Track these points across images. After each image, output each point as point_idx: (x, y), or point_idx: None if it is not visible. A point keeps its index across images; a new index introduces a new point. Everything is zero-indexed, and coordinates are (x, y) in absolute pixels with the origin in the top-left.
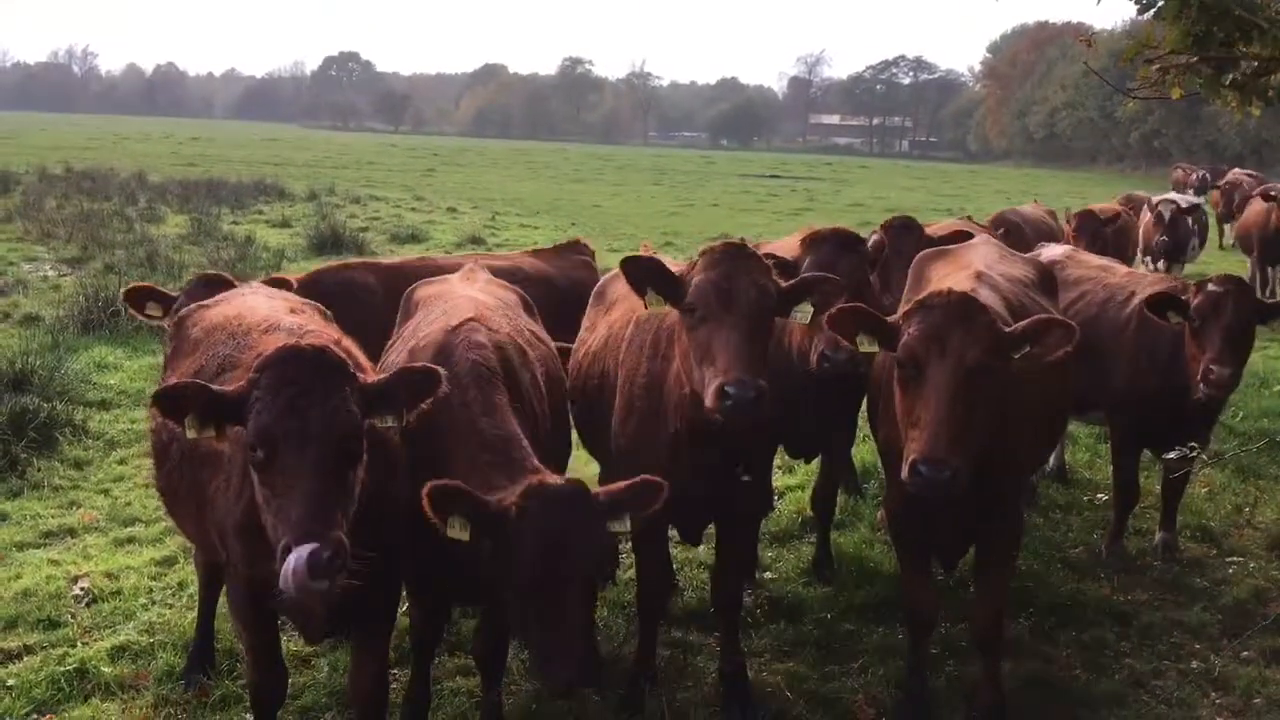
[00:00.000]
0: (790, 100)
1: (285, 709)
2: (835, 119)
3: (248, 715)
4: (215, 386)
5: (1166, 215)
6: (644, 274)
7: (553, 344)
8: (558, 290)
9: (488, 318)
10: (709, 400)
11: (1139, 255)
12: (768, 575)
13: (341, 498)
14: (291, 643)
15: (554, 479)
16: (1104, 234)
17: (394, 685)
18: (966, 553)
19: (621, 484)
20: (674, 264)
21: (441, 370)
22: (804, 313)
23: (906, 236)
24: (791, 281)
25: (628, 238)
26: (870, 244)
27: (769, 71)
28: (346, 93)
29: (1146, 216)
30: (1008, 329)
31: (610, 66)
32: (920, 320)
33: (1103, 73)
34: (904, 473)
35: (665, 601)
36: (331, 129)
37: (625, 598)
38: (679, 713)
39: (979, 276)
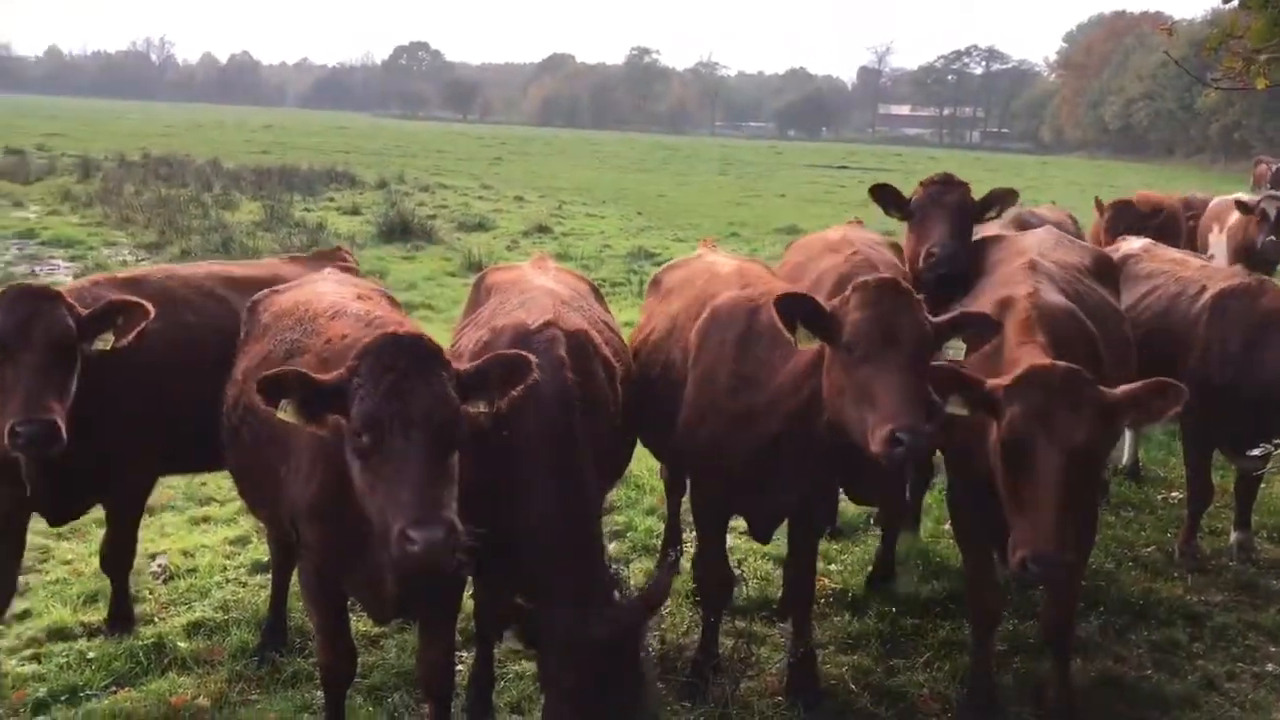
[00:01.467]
0: (859, 90)
1: (354, 688)
2: (905, 109)
3: (318, 692)
4: (315, 375)
5: (1272, 213)
6: (794, 310)
7: (621, 333)
8: None
9: (565, 314)
10: (877, 445)
11: (1228, 260)
12: (832, 568)
13: (448, 483)
14: (360, 623)
15: None
16: (1144, 230)
17: (459, 668)
18: None
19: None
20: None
21: (533, 358)
22: (956, 349)
23: (948, 190)
24: (944, 318)
25: (693, 228)
26: (913, 198)
27: (838, 62)
28: (416, 82)
29: (1233, 218)
30: (1113, 397)
31: (677, 56)
32: (1025, 401)
33: (1183, 62)
34: (1013, 563)
35: (728, 594)
36: (401, 118)
37: (689, 586)
38: (742, 702)
39: (1033, 266)
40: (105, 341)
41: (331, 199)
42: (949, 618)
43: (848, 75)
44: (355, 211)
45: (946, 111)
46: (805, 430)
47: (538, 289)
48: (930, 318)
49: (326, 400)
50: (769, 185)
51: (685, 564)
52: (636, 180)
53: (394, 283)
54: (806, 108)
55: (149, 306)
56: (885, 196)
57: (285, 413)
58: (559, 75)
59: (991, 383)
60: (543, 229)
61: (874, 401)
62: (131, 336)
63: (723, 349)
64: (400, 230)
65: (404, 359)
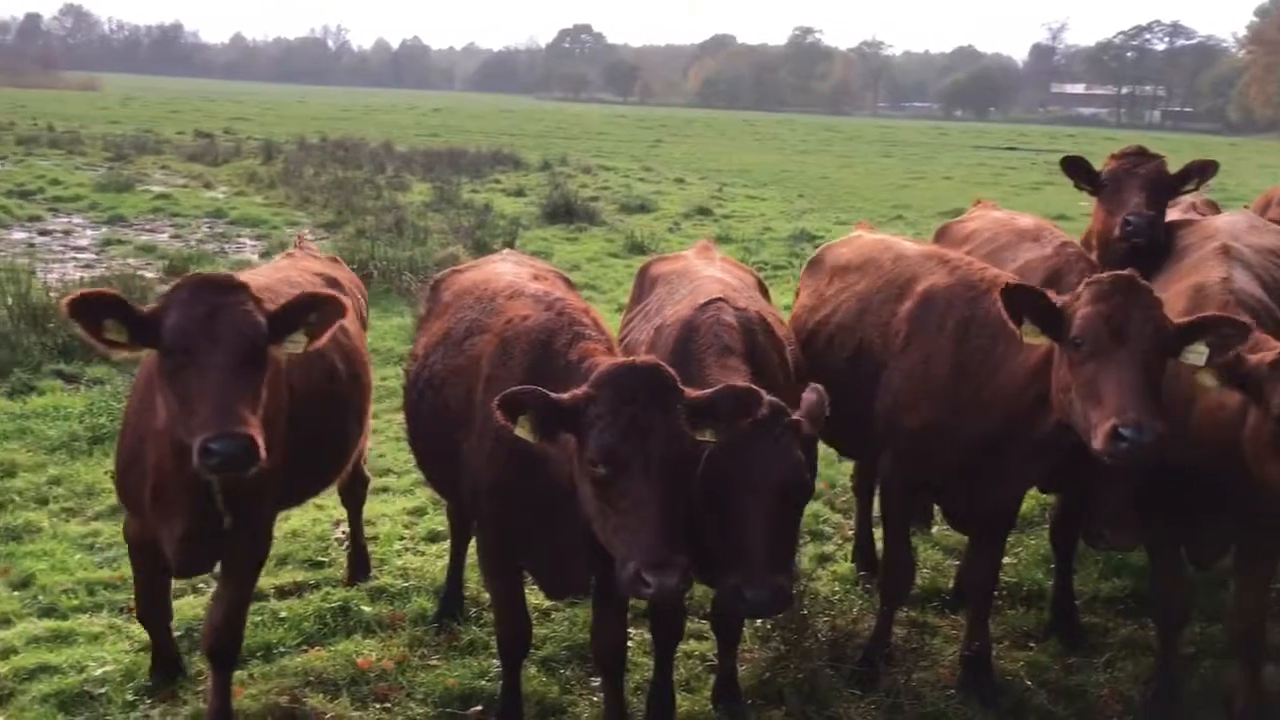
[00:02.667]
0: (1031, 69)
1: (527, 659)
2: (1080, 88)
3: (494, 661)
4: (553, 394)
5: None
6: (1023, 304)
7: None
8: None
9: (734, 298)
10: (1099, 442)
11: None
12: (1005, 561)
13: (680, 518)
14: (531, 596)
15: None
16: None
17: (630, 644)
18: (1225, 554)
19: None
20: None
21: (762, 391)
22: (1197, 354)
23: (1143, 162)
24: (1188, 320)
25: (856, 210)
26: (1104, 171)
27: (1009, 39)
28: (578, 64)
29: None
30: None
31: (841, 36)
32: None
33: None
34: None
35: (910, 586)
36: (563, 100)
37: (857, 573)
38: (914, 693)
39: (1226, 251)
40: (297, 343)
41: (497, 180)
42: (1131, 617)
43: (1019, 53)
44: (520, 193)
45: (1125, 90)
46: (1024, 434)
47: (706, 278)
48: (1169, 320)
49: (562, 420)
50: (934, 167)
51: (844, 548)
52: (798, 162)
53: (558, 264)
54: (974, 87)
55: (345, 302)
56: (1076, 169)
57: (522, 429)
58: (720, 56)
59: (1254, 359)
60: (703, 211)
61: (1099, 398)
62: (326, 338)
63: (940, 336)
64: (563, 212)
65: (643, 391)
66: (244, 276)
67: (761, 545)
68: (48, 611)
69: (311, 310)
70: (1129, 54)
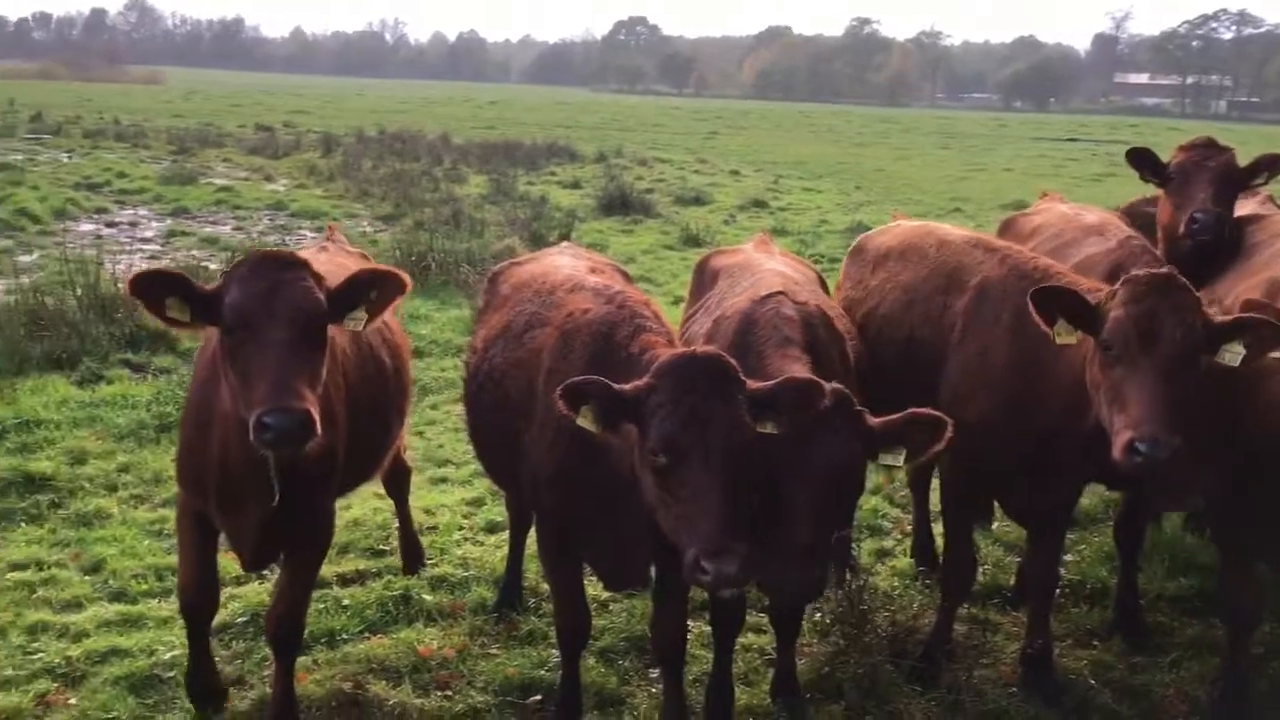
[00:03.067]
0: (1093, 58)
1: (586, 649)
2: (1143, 78)
3: (553, 651)
4: (615, 385)
5: None
6: (1054, 304)
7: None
8: None
9: (795, 292)
10: (1117, 451)
11: None
12: (1068, 558)
13: (740, 506)
14: (590, 586)
15: None
16: None
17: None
18: None
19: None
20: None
21: (824, 384)
22: (1234, 353)
23: (1212, 155)
24: (1226, 319)
25: (913, 203)
26: (1172, 163)
27: (1071, 29)
28: (633, 56)
29: None
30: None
31: (899, 26)
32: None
33: None
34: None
35: (971, 583)
36: (618, 92)
37: (915, 568)
38: (975, 690)
39: None
40: (357, 320)
41: (553, 173)
42: (1198, 616)
43: (1080, 43)
44: (576, 185)
45: (1190, 80)
46: (1079, 427)
47: (767, 271)
48: (1208, 318)
49: (624, 410)
50: (994, 159)
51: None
52: (854, 154)
53: (613, 256)
54: (1034, 77)
55: (407, 280)
56: (1142, 160)
57: (584, 419)
58: (775, 47)
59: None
60: (759, 203)
61: (1123, 404)
62: (387, 313)
63: (996, 328)
64: (619, 204)
65: (702, 381)
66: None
67: (808, 530)
68: (118, 596)
69: (372, 286)
70: (1194, 43)
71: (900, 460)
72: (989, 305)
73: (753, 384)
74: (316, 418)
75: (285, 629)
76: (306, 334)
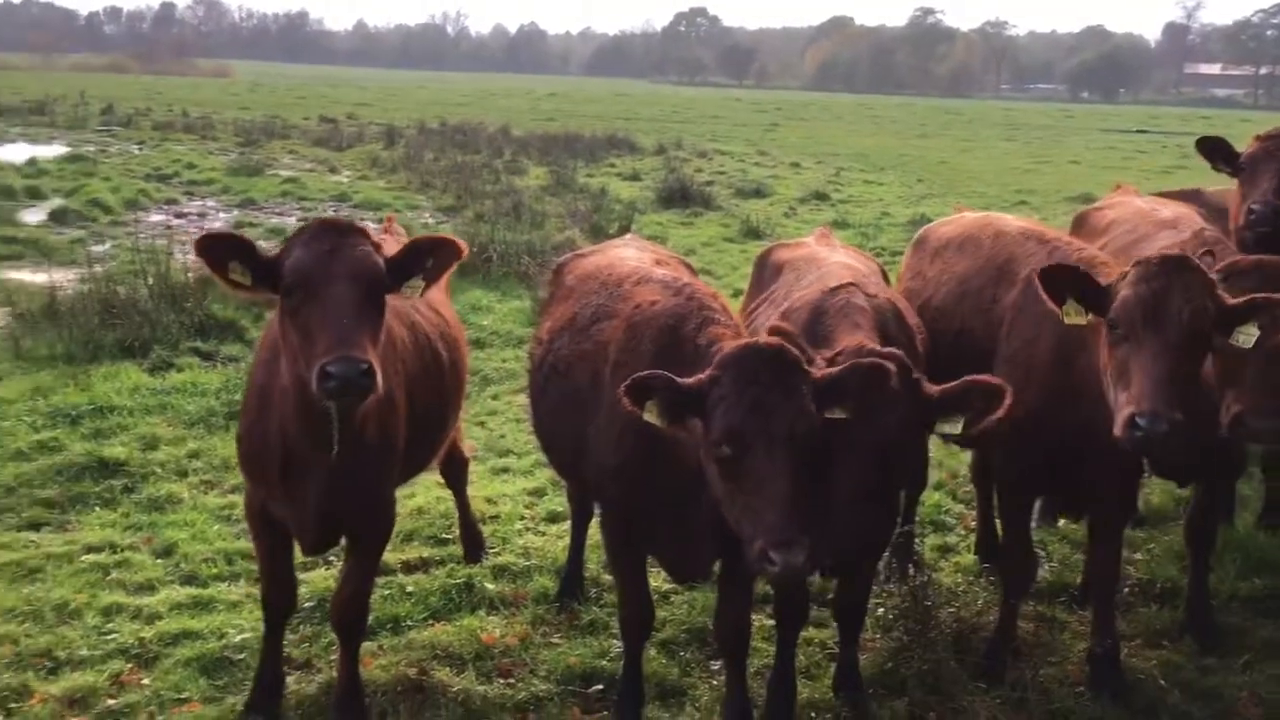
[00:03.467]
0: (1163, 49)
1: (648, 640)
2: (1215, 68)
3: (614, 641)
4: (678, 379)
5: None
6: (1063, 283)
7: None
8: None
9: (865, 284)
10: (1118, 429)
11: None
12: (1137, 557)
13: (807, 496)
14: (651, 578)
15: None
16: None
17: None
18: None
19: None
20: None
21: (889, 365)
22: (1247, 335)
23: None
24: (1237, 301)
25: (977, 195)
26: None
27: (1140, 18)
28: (694, 48)
29: None
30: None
31: (962, 16)
32: None
33: None
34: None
35: (1031, 579)
36: (678, 84)
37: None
38: (1041, 688)
39: None
40: (415, 288)
41: (613, 165)
42: (1272, 616)
43: (1150, 33)
44: (635, 177)
45: (1264, 70)
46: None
47: (834, 264)
48: (1220, 300)
49: (689, 404)
50: (1060, 151)
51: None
52: (917, 146)
53: (673, 248)
54: (1102, 67)
55: (463, 246)
56: (1213, 149)
57: (649, 414)
58: (836, 38)
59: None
60: (820, 196)
61: (1126, 382)
62: (442, 281)
63: (1044, 320)
64: (679, 196)
65: (766, 371)
66: None
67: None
68: (189, 579)
69: (429, 254)
70: (1269, 32)
71: (958, 428)
72: (1034, 297)
73: (817, 372)
74: (379, 370)
75: (350, 614)
76: (366, 296)
